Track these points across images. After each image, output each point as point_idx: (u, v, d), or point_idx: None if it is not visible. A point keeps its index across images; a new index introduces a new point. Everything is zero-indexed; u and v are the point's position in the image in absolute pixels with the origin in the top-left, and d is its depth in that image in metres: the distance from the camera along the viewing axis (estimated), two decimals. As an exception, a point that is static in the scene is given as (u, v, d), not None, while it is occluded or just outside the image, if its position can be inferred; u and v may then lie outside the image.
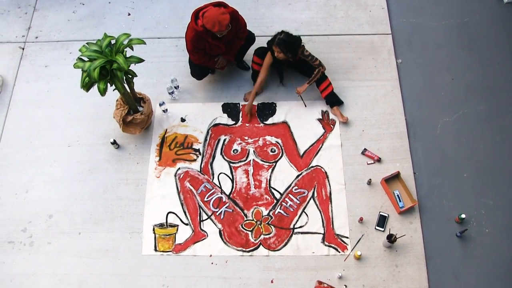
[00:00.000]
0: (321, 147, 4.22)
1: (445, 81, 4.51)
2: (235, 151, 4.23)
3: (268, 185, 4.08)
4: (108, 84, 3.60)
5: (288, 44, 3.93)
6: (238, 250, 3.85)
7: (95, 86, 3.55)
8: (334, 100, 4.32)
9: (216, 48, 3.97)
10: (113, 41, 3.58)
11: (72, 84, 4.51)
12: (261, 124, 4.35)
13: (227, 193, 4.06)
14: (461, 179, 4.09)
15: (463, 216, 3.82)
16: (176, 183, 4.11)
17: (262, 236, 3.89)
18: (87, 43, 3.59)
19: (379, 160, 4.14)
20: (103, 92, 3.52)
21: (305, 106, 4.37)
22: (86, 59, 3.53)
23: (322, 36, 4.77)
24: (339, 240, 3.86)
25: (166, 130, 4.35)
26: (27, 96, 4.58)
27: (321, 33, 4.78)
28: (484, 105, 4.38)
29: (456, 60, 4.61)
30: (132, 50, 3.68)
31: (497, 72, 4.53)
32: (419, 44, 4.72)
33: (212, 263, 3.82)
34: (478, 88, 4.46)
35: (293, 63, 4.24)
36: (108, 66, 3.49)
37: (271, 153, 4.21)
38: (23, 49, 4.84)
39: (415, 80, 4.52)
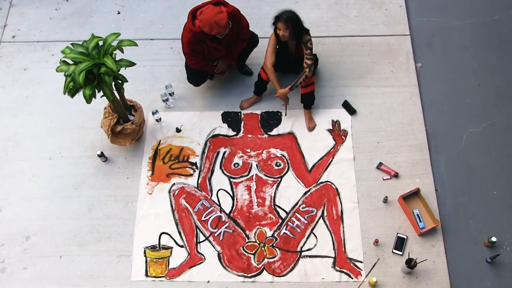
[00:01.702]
0: (331, 160, 4.30)
1: (471, 87, 4.57)
2: (236, 165, 4.31)
3: (272, 203, 4.16)
4: (96, 90, 3.65)
5: (296, 23, 3.98)
6: (239, 276, 3.91)
7: (81, 92, 3.60)
8: (309, 102, 4.38)
9: (216, 51, 4.04)
10: (100, 42, 3.64)
11: (55, 89, 4.55)
12: (265, 135, 4.44)
13: (227, 211, 4.13)
14: (491, 197, 4.12)
15: (494, 239, 3.83)
16: (171, 201, 4.18)
17: (265, 260, 3.96)
18: (71, 44, 3.65)
19: (396, 176, 4.21)
20: (89, 99, 3.58)
21: (285, 115, 4.48)
22: (70, 61, 3.59)
23: (332, 37, 4.86)
24: (352, 264, 3.92)
25: (160, 141, 4.43)
26: (3, 102, 4.65)
27: (332, 35, 4.88)
28: (515, 115, 4.43)
29: (483, 64, 4.68)
30: (122, 52, 3.76)
31: (530, 77, 4.58)
32: (442, 46, 4.79)
33: (209, 291, 3.88)
34: (509, 95, 4.52)
35: (294, 58, 4.30)
36: (95, 70, 3.55)
37: (276, 167, 4.29)
38: (-3, 50, 4.94)
39: (436, 86, 4.59)
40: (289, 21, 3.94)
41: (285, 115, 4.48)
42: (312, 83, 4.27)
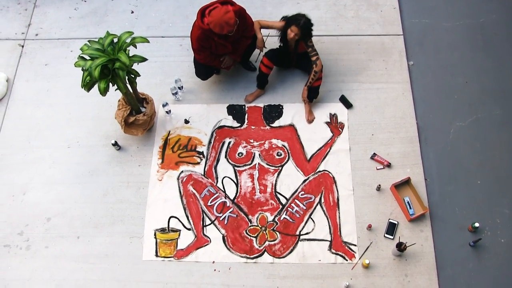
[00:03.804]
0: (329, 151, 4.25)
1: (458, 84, 4.54)
2: (240, 155, 4.27)
3: (273, 190, 4.12)
4: (110, 84, 3.64)
5: (310, 31, 3.97)
6: (242, 257, 3.88)
7: (96, 86, 3.59)
8: (312, 96, 4.33)
9: (223, 47, 4.01)
10: (115, 40, 3.62)
11: (73, 83, 4.56)
12: (267, 127, 4.40)
13: (231, 197, 4.10)
14: (475, 186, 4.10)
15: (476, 225, 3.82)
16: (179, 187, 4.16)
17: (267, 243, 3.93)
18: (88, 41, 3.64)
19: (389, 166, 4.17)
20: (103, 92, 3.57)
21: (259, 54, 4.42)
22: (87, 57, 3.58)
23: (331, 36, 4.81)
24: (346, 247, 3.89)
25: (169, 131, 4.40)
26: (27, 95, 4.65)
27: (330, 34, 4.83)
28: (499, 110, 4.40)
29: (470, 63, 4.64)
30: (136, 48, 3.73)
31: (513, 75, 4.56)
32: (432, 45, 4.75)
33: (215, 270, 3.85)
34: (493, 92, 4.49)
35: (293, 54, 4.26)
36: (110, 65, 3.53)
37: (277, 157, 4.25)
38: (22, 46, 4.91)
39: (427, 83, 4.55)
40: (304, 28, 3.92)
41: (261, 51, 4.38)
42: (320, 78, 4.23)
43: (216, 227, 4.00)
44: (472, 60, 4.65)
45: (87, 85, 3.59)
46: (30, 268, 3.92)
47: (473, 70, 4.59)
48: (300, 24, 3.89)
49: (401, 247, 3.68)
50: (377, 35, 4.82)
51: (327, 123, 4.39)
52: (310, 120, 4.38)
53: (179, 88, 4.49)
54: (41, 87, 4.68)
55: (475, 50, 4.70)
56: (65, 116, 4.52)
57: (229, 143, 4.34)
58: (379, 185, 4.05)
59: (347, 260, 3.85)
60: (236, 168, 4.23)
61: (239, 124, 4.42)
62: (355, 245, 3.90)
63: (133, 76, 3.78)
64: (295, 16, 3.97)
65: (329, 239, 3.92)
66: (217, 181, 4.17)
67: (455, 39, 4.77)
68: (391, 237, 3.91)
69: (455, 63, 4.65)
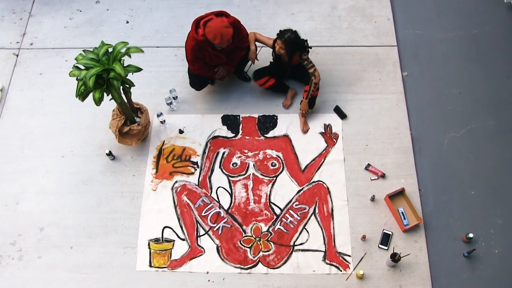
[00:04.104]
0: (323, 161, 4.27)
1: (452, 95, 4.56)
2: (235, 165, 4.28)
3: (268, 200, 4.12)
4: (105, 94, 3.64)
5: (294, 46, 3.99)
6: (236, 267, 3.87)
7: (91, 95, 3.59)
8: (309, 106, 4.34)
9: (217, 58, 4.03)
10: (110, 49, 3.63)
11: (67, 92, 4.55)
12: (262, 137, 4.41)
13: (226, 208, 4.10)
14: (469, 197, 4.11)
15: (470, 235, 3.83)
16: (173, 197, 4.15)
17: (261, 253, 3.92)
18: (83, 51, 3.65)
19: (383, 176, 4.19)
20: (98, 102, 3.57)
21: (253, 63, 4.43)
22: (82, 67, 3.59)
23: (325, 47, 4.84)
24: (341, 258, 3.89)
25: (164, 141, 4.40)
26: (21, 104, 4.64)
27: (325, 44, 4.86)
28: (492, 120, 4.43)
29: (464, 74, 4.67)
30: (130, 58, 3.74)
31: (506, 86, 4.59)
32: (426, 56, 4.78)
33: (209, 281, 3.84)
34: (486, 103, 4.52)
35: (287, 65, 4.29)
36: (104, 75, 3.54)
37: (271, 167, 4.26)
38: (17, 55, 4.91)
39: (421, 94, 4.58)
40: (287, 42, 3.96)
41: (253, 63, 4.41)
42: (317, 89, 4.25)
43: (210, 238, 3.99)
44: (465, 71, 4.69)
45: (82, 95, 3.60)
46: (22, 278, 3.89)
47: (467, 81, 4.63)
48: (283, 38, 3.95)
49: (395, 257, 3.68)
50: (371, 46, 4.85)
51: (321, 133, 4.40)
52: (305, 131, 4.40)
53: (173, 98, 4.50)
54: (36, 97, 4.67)
55: (468, 61, 4.74)
56: (59, 126, 4.51)
57: (224, 153, 4.34)
58: (373, 195, 4.06)
59: (341, 271, 3.84)
60: (230, 178, 4.23)
61: (233, 135, 4.43)
62: (349, 256, 3.90)
63: (127, 86, 3.78)
64: (283, 31, 4.02)
65: (323, 250, 3.92)
66: (211, 192, 4.17)
67: (449, 50, 4.81)
68: (385, 247, 3.91)
69: (448, 74, 4.68)
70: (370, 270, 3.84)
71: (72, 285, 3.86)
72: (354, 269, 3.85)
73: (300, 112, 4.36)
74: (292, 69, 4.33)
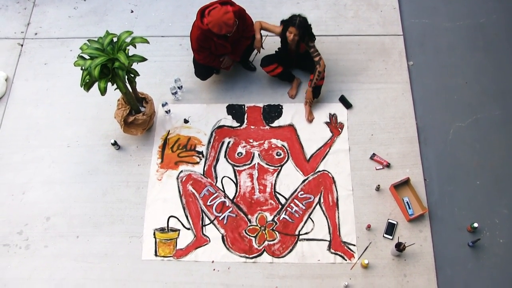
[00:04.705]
0: (328, 151, 4.28)
1: (458, 85, 4.56)
2: (240, 154, 4.30)
3: (273, 190, 4.15)
4: (109, 84, 3.66)
5: (307, 28, 3.98)
6: (241, 257, 3.91)
7: (96, 85, 3.61)
8: (314, 95, 4.35)
9: (222, 47, 4.03)
10: (115, 39, 3.64)
11: (73, 82, 4.58)
12: (267, 127, 4.42)
13: (231, 197, 4.13)
14: (474, 187, 4.12)
15: (475, 225, 3.85)
16: (178, 186, 4.18)
17: (266, 242, 3.96)
18: (88, 41, 3.65)
19: (388, 166, 4.20)
20: (103, 92, 3.59)
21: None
22: (87, 57, 3.60)
23: (331, 36, 4.83)
24: (345, 247, 3.92)
25: (169, 131, 4.43)
26: (26, 94, 4.67)
27: (330, 34, 4.85)
28: (499, 110, 4.42)
29: (470, 63, 4.66)
30: (135, 48, 3.75)
31: (513, 76, 4.58)
32: (432, 46, 4.77)
33: (214, 270, 3.88)
34: (493, 92, 4.51)
35: (294, 54, 4.29)
36: (109, 65, 3.56)
37: (276, 157, 4.27)
38: (21, 45, 4.93)
39: (427, 83, 4.57)
40: (301, 27, 3.94)
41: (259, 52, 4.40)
42: (322, 78, 4.25)
43: (216, 227, 4.02)
44: (472, 60, 4.67)
45: (87, 85, 3.62)
46: (29, 267, 3.94)
47: (473, 71, 4.61)
48: (296, 24, 3.93)
49: (400, 247, 3.70)
50: (377, 35, 4.84)
51: (326, 123, 4.41)
52: (310, 120, 4.40)
53: (178, 87, 4.51)
54: (41, 86, 4.70)
55: (475, 51, 4.72)
56: (64, 116, 4.54)
57: (229, 142, 4.36)
58: (379, 185, 4.07)
59: (346, 260, 3.87)
60: (235, 168, 4.25)
61: (238, 124, 4.44)
62: (354, 245, 3.92)
63: (132, 75, 3.80)
64: (290, 18, 4.00)
65: (328, 239, 3.95)
66: (216, 181, 4.20)
67: (455, 40, 4.79)
68: (390, 237, 3.94)
69: (455, 63, 4.67)
70: (375, 259, 3.87)
71: (78, 274, 3.91)
72: (359, 259, 3.88)
73: (305, 100, 4.36)
74: (298, 58, 4.33)
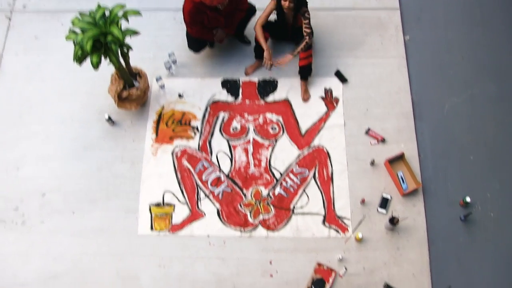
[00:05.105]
0: (323, 126, 4.29)
1: (454, 60, 4.54)
2: (235, 129, 4.30)
3: (268, 164, 4.16)
4: (103, 58, 3.61)
5: None
6: (237, 231, 3.95)
7: (89, 60, 3.56)
8: (306, 74, 4.33)
9: (215, 20, 3.99)
10: (107, 12, 3.58)
11: (65, 57, 4.47)
12: (262, 101, 4.41)
13: (226, 172, 4.15)
14: (468, 162, 4.15)
15: (468, 199, 3.89)
16: (173, 161, 4.19)
17: (261, 217, 3.99)
18: (80, 14, 3.59)
19: (383, 141, 4.21)
20: (96, 66, 3.55)
21: (269, 69, 4.32)
22: (78, 31, 3.54)
23: (327, 10, 4.77)
24: (340, 221, 3.96)
25: (163, 106, 4.40)
26: (17, 69, 4.60)
27: (326, 7, 4.79)
28: (494, 86, 4.42)
29: (467, 38, 4.63)
30: (128, 22, 3.69)
31: (510, 52, 4.55)
32: (429, 20, 4.73)
33: (209, 244, 3.93)
34: (489, 68, 4.49)
35: (290, 27, 4.25)
36: (102, 39, 3.51)
37: (271, 131, 4.28)
38: (10, 19, 4.82)
39: (423, 58, 4.55)
40: None
41: (269, 69, 4.31)
42: (310, 56, 4.21)
43: (211, 201, 4.05)
44: (469, 35, 4.64)
45: (79, 59, 3.57)
46: (26, 243, 3.97)
47: (470, 46, 4.59)
48: None
49: (393, 221, 3.75)
50: (374, 9, 4.78)
51: (322, 97, 4.40)
52: (306, 99, 4.39)
53: (172, 62, 4.47)
54: (32, 61, 4.63)
55: (472, 26, 4.68)
56: (57, 91, 4.49)
57: (224, 117, 4.35)
58: (373, 160, 4.09)
59: (340, 234, 3.92)
60: (230, 142, 4.25)
61: (233, 99, 4.43)
62: (348, 219, 3.97)
63: (125, 50, 3.76)
64: None
65: (323, 213, 3.99)
66: (211, 156, 4.20)
67: (453, 14, 4.74)
68: (384, 211, 3.98)
69: (451, 38, 4.64)
70: (369, 233, 3.92)
71: (75, 249, 3.94)
72: (353, 232, 3.93)
73: (276, 61, 4.23)
74: (293, 31, 4.28)
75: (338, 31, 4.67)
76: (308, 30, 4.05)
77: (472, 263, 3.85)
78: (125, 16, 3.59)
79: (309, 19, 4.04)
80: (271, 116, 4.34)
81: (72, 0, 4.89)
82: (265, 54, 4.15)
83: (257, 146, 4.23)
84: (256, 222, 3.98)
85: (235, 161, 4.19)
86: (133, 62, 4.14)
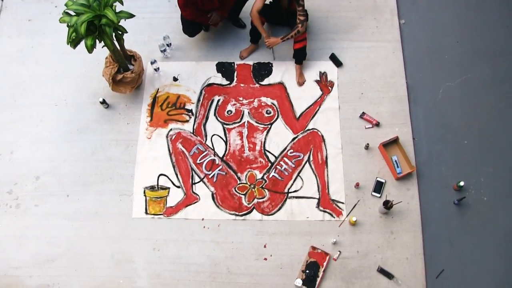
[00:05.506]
0: (318, 109, 4.28)
1: (449, 44, 4.53)
2: (229, 112, 4.29)
3: (262, 148, 4.17)
4: (97, 41, 3.59)
5: None
6: (231, 214, 3.97)
7: (83, 43, 3.54)
8: (301, 57, 4.31)
9: (209, 2, 3.96)
10: (101, -5, 3.55)
11: (59, 40, 4.47)
12: (257, 85, 4.39)
13: (220, 155, 4.15)
14: (462, 146, 4.17)
15: (461, 183, 3.91)
16: (168, 145, 4.18)
17: (255, 200, 4.01)
18: (74, -4, 3.56)
19: (377, 125, 4.22)
20: (90, 49, 3.53)
21: (274, 59, 4.44)
22: (72, 13, 3.51)
23: (322, -7, 4.74)
24: (334, 205, 3.98)
25: (158, 89, 4.39)
26: (10, 51, 4.57)
27: (322, -10, 4.75)
28: (489, 70, 4.42)
29: (462, 22, 4.62)
30: (122, 4, 3.66)
31: (505, 36, 4.55)
32: (424, 4, 4.71)
33: (204, 227, 3.94)
34: (484, 52, 4.49)
35: (285, 11, 4.23)
36: (96, 22, 3.48)
37: (266, 115, 4.27)
38: (2, 0, 4.77)
39: (418, 42, 4.54)
40: None
41: (274, 58, 4.44)
42: (304, 39, 4.18)
43: (205, 185, 4.06)
44: (464, 19, 4.63)
45: (73, 42, 3.55)
46: (21, 225, 3.98)
47: (465, 30, 4.58)
48: None
49: (387, 205, 3.77)
50: (369, -8, 4.75)
51: (316, 81, 4.39)
52: (301, 83, 4.38)
53: (167, 45, 4.45)
54: (25, 44, 4.60)
55: (467, 9, 4.67)
56: (51, 74, 4.47)
57: (218, 101, 4.34)
58: (368, 144, 4.10)
59: (334, 218, 3.94)
60: (225, 126, 4.25)
61: (228, 82, 4.41)
62: (342, 203, 3.98)
63: (120, 32, 3.73)
64: None
65: (317, 197, 4.00)
66: (206, 139, 4.20)
67: (448, -3, 4.72)
68: (378, 195, 4.00)
69: (447, 22, 4.62)
70: (363, 217, 3.94)
71: (70, 232, 3.95)
72: (347, 216, 3.95)
73: (265, 42, 4.24)
74: (288, 15, 4.25)
75: (333, 14, 4.64)
76: (302, 18, 4.01)
77: (465, 247, 3.88)
78: (119, -1, 3.57)
79: (303, 5, 3.99)
80: (266, 100, 4.33)
81: (66, -18, 4.84)
82: (270, 41, 4.16)
83: (251, 129, 4.23)
84: (251, 206, 3.99)
85: (229, 144, 4.18)
86: (128, 45, 4.12)
